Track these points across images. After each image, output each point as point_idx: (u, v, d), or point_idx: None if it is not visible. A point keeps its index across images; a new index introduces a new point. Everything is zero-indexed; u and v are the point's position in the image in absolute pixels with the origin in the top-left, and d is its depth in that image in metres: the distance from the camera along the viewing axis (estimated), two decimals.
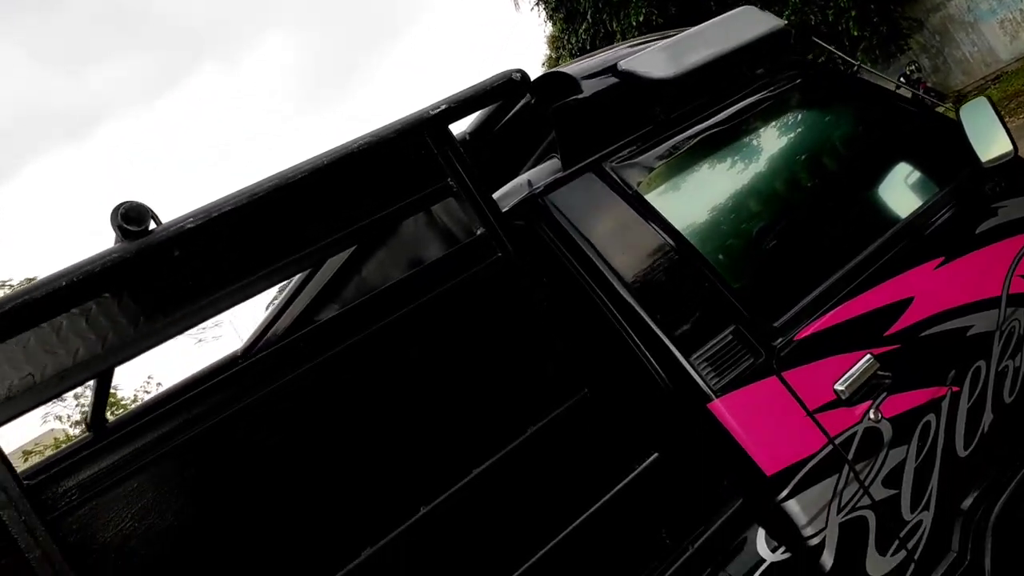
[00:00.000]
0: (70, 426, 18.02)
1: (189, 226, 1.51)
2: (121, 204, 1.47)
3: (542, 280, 1.81)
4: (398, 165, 1.74)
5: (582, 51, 22.46)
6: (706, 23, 2.40)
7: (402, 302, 1.68)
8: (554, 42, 32.02)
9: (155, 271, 1.47)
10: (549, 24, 28.66)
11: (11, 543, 1.26)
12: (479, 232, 1.78)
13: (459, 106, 1.81)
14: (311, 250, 1.63)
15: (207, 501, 1.50)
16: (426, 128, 1.76)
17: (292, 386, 1.55)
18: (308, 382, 1.57)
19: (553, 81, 2.16)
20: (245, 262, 1.56)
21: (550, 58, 33.88)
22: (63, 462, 1.43)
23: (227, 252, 1.54)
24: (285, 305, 2.82)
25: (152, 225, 1.50)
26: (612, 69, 2.21)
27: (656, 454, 1.79)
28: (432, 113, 1.76)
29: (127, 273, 1.44)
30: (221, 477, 1.52)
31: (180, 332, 1.48)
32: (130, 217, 1.46)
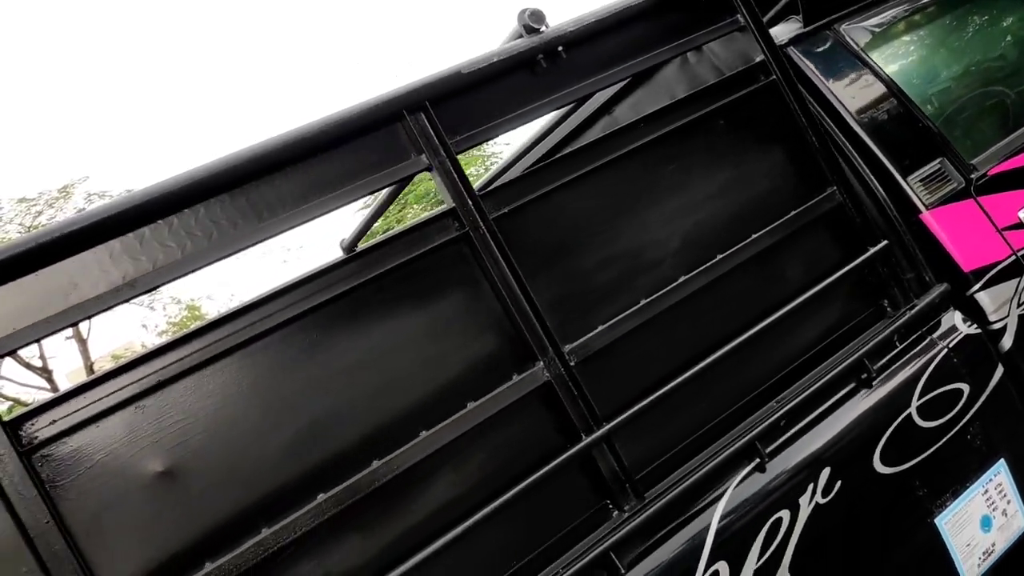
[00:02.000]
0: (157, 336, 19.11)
1: (570, 31, 2.04)
2: (526, 9, 2.01)
3: (803, 97, 2.30)
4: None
5: None
6: None
7: (691, 111, 2.20)
8: None
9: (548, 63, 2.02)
10: None
11: None
12: (758, 59, 2.28)
13: None
14: (639, 59, 2.16)
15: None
16: None
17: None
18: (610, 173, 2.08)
19: None
20: (597, 60, 2.10)
21: None
22: None
23: (593, 51, 2.08)
24: (526, 151, 3.37)
25: (543, 28, 2.03)
26: None
27: (886, 241, 2.30)
28: None
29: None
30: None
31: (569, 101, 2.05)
32: (535, 18, 2.00)
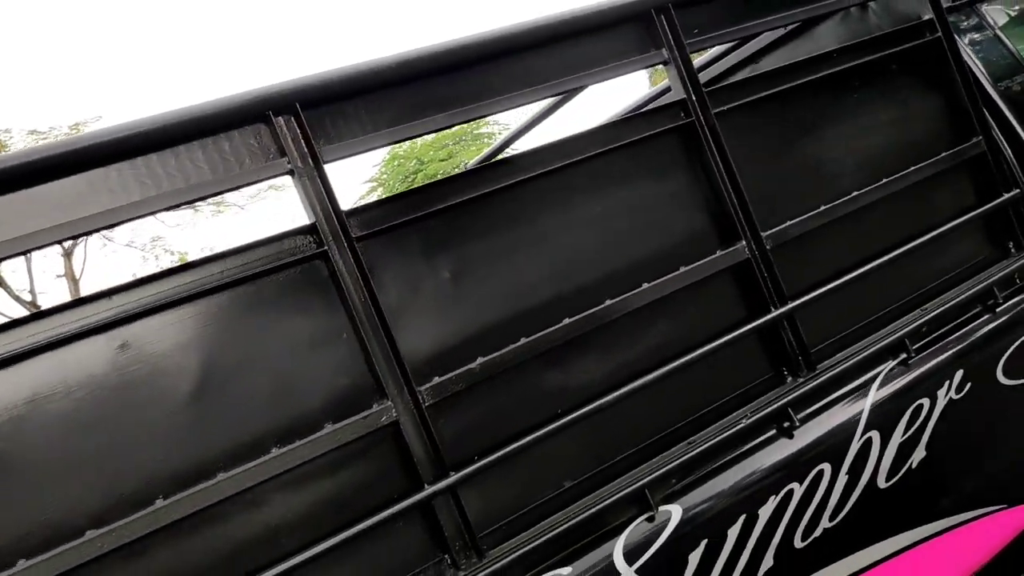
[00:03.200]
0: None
1: None
2: None
3: (960, 56, 2.60)
4: None
5: None
6: None
7: (872, 51, 2.49)
8: None
9: None
10: None
11: None
12: (926, 17, 2.58)
13: None
14: (820, 4, 2.46)
15: None
16: None
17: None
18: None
19: None
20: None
21: None
22: None
23: None
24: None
25: None
26: None
27: (1018, 190, 2.60)
28: None
29: None
30: None
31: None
32: None
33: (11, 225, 1.51)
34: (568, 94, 2.23)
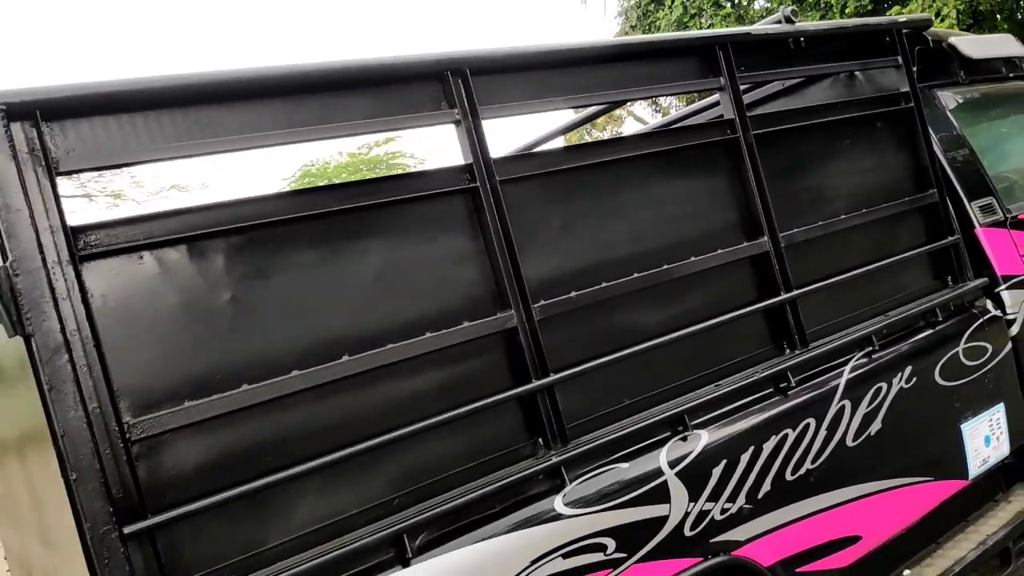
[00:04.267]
0: None
1: (810, 30, 2.95)
2: (788, 7, 2.91)
3: (925, 123, 3.27)
4: None
5: None
6: (992, 36, 3.93)
7: (859, 108, 3.14)
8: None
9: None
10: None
11: None
12: (903, 89, 3.26)
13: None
14: (824, 65, 3.10)
15: None
16: None
17: None
18: None
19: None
20: (809, 55, 3.01)
21: None
22: None
23: (814, 48, 3.00)
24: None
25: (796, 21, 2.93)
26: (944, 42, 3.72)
27: (958, 236, 3.28)
28: None
29: None
30: None
31: None
32: (793, 14, 2.90)
33: (245, 127, 1.90)
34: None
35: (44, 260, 1.58)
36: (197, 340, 1.77)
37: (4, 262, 1.58)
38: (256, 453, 1.80)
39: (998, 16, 17.54)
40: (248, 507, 1.77)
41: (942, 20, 16.50)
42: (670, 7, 24.78)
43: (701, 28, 23.65)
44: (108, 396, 1.62)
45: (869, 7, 21.02)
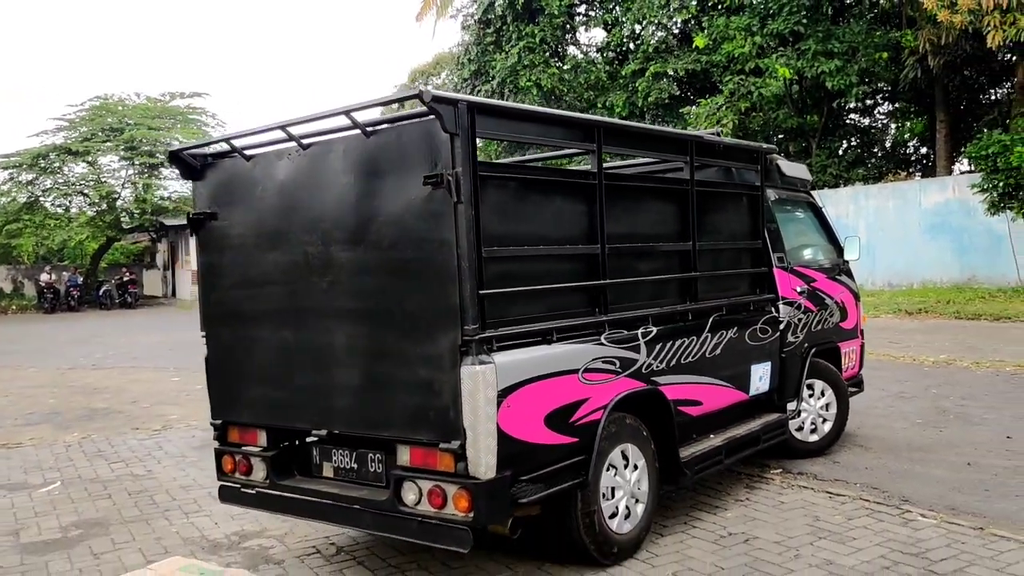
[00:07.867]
0: None
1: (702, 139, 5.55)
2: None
3: (766, 200, 6.01)
4: None
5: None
6: (796, 163, 6.90)
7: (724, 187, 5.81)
8: (445, 61, 34.88)
9: None
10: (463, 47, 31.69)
11: None
12: (756, 183, 5.97)
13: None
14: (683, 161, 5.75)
15: None
16: None
17: None
18: None
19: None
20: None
21: (419, 72, 36.28)
22: None
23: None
24: None
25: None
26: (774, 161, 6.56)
27: (766, 268, 6.07)
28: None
29: None
30: None
31: None
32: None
33: None
34: None
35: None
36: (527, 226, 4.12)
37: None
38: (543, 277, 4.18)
39: (759, 135, 23.45)
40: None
41: (722, 128, 21.89)
42: (506, 54, 27.27)
43: (531, 78, 26.09)
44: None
45: (667, 101, 25.79)
